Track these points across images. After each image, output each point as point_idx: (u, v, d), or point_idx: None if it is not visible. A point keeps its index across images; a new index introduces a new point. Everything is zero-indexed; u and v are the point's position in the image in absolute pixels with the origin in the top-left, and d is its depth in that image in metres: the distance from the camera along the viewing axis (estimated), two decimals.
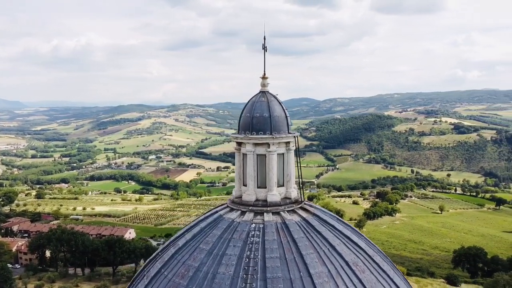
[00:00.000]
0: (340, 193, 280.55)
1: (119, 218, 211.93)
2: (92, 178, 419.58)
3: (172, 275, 12.70)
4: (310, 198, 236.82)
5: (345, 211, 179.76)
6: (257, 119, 14.13)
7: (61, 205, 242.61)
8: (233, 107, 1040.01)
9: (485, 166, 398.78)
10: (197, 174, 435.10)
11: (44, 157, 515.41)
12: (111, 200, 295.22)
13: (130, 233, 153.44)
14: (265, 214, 13.59)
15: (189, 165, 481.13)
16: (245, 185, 14.69)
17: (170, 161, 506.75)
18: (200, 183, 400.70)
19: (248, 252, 12.35)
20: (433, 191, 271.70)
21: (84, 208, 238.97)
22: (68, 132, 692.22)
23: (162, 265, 13.36)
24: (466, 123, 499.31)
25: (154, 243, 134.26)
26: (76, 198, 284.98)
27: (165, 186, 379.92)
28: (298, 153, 14.97)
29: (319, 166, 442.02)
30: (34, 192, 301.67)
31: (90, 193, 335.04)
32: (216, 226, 13.62)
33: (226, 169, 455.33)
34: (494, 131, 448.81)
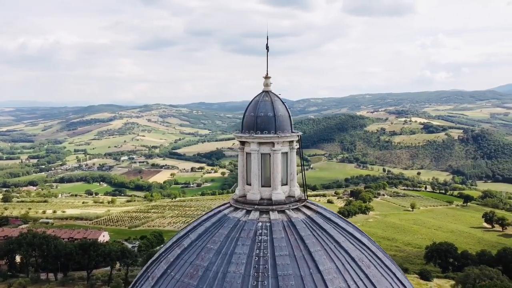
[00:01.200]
0: (315, 192, 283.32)
1: (91, 221, 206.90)
2: (62, 180, 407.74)
3: (180, 276, 12.63)
4: None
5: None
6: (262, 118, 14.24)
7: (29, 209, 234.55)
8: (207, 107, 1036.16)
9: (453, 164, 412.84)
10: (171, 175, 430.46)
11: (11, 159, 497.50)
12: (83, 202, 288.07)
13: (104, 236, 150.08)
14: (270, 212, 13.73)
15: (163, 166, 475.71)
16: (248, 184, 14.78)
17: (143, 162, 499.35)
18: (174, 184, 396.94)
19: (257, 250, 12.45)
20: (404, 189, 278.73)
21: (54, 211, 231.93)
22: (36, 133, 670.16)
23: (168, 266, 13.25)
24: (435, 122, 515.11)
25: (129, 245, 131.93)
26: (45, 201, 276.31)
27: (138, 188, 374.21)
28: (301, 151, 15.18)
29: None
30: (0, 196, 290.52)
31: (60, 195, 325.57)
32: (222, 225, 13.65)
33: (200, 170, 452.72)
34: (461, 131, 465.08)
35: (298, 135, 14.79)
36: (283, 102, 14.78)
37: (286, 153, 14.65)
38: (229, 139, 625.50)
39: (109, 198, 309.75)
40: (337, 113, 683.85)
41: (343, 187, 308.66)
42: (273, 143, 14.20)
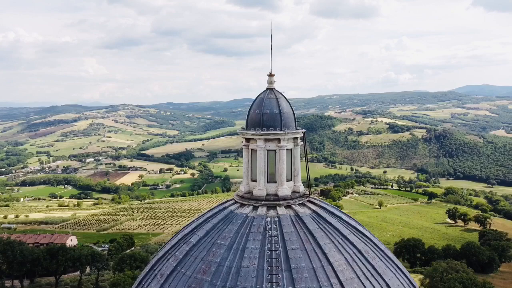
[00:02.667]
0: None
1: (57, 225, 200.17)
2: (23, 184, 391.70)
3: (191, 272, 12.63)
4: None
5: None
6: (268, 115, 14.43)
7: None
8: (175, 108, 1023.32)
9: (417, 163, 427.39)
10: (139, 176, 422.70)
11: None
12: (47, 206, 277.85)
13: (71, 240, 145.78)
14: (278, 208, 13.97)
15: (130, 167, 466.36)
16: (253, 180, 14.93)
17: (110, 163, 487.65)
18: (143, 185, 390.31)
19: (269, 245, 12.65)
20: (372, 188, 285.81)
21: (16, 216, 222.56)
22: None
23: (177, 263, 13.20)
24: (400, 122, 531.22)
25: (98, 249, 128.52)
26: (6, 206, 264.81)
27: (105, 190, 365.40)
28: (305, 148, 15.47)
29: None
30: None
31: (22, 199, 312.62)
32: (230, 221, 13.76)
33: (169, 171, 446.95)
34: (425, 130, 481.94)
35: (302, 132, 15.09)
36: (287, 100, 15.03)
37: (291, 149, 14.91)
38: (198, 139, 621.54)
39: (75, 201, 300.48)
40: (305, 114, 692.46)
41: (313, 187, 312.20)
42: (279, 140, 14.43)
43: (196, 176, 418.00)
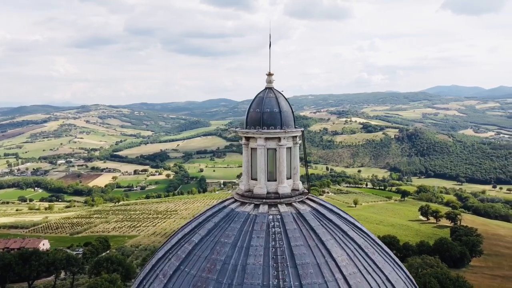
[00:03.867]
0: None
1: (28, 229, 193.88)
2: None
3: (196, 271, 12.62)
4: None
5: None
6: (268, 114, 14.56)
7: None
8: (149, 108, 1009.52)
9: (390, 162, 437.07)
10: (112, 178, 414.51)
11: None
12: (16, 210, 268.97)
13: (44, 244, 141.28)
14: (279, 205, 14.14)
15: (104, 169, 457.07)
16: (253, 179, 15.02)
17: (82, 165, 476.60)
18: (117, 187, 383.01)
19: (273, 242, 12.78)
20: (347, 187, 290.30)
21: None
22: None
23: (180, 262, 13.14)
24: (373, 122, 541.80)
25: (73, 253, 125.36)
26: None
27: (78, 192, 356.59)
28: (304, 146, 15.67)
29: (240, 166, 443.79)
30: None
31: None
32: (232, 219, 13.81)
33: (144, 172, 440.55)
34: (397, 130, 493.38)
35: (301, 130, 15.29)
36: (285, 99, 15.20)
37: (290, 148, 15.09)
38: (173, 140, 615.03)
39: (46, 204, 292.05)
40: None
41: None
42: (279, 138, 14.60)
43: (171, 177, 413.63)
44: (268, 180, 14.77)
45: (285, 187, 14.69)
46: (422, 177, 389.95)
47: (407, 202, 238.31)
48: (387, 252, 14.78)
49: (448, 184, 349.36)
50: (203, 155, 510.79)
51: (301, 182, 15.63)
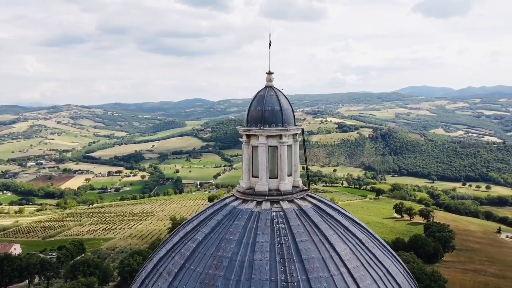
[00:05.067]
0: None
1: None
2: None
3: (202, 268, 12.65)
4: (211, 199, 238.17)
5: None
6: (270, 112, 14.72)
7: None
8: (123, 108, 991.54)
9: (365, 161, 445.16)
10: (85, 180, 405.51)
11: None
12: None
13: (15, 248, 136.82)
14: (281, 202, 14.33)
15: (76, 171, 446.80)
16: (254, 176, 15.12)
17: (54, 167, 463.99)
18: (90, 189, 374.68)
19: (278, 238, 12.96)
20: (323, 186, 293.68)
21: None
22: None
23: (184, 260, 13.12)
24: (348, 122, 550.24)
25: (47, 257, 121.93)
26: None
27: (49, 195, 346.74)
28: (304, 144, 15.89)
29: (216, 167, 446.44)
30: None
31: None
32: (236, 217, 13.90)
33: (118, 174, 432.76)
34: (371, 130, 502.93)
35: (301, 128, 15.51)
36: (285, 97, 15.39)
37: (290, 145, 15.29)
38: (148, 141, 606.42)
39: (16, 208, 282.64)
40: None
41: None
42: (280, 136, 14.78)
43: (146, 178, 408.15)
44: (269, 178, 14.93)
45: (286, 184, 14.90)
46: (396, 175, 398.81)
47: (382, 200, 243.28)
48: (385, 246, 15.21)
49: (421, 182, 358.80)
50: (178, 155, 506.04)
51: (300, 179, 15.86)
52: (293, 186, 15.38)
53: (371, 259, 13.66)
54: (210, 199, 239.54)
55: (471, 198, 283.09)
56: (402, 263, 15.45)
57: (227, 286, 11.95)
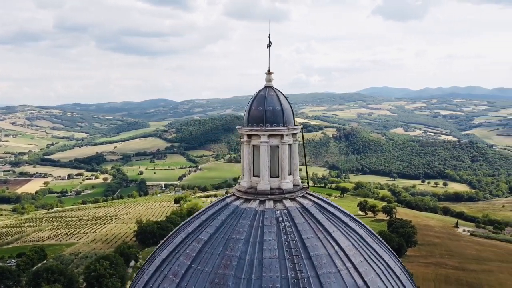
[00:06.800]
0: (206, 193, 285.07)
1: None
2: None
3: (210, 268, 12.61)
4: (177, 200, 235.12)
5: None
6: (271, 112, 14.88)
7: None
8: (83, 109, 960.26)
9: (329, 160, 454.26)
10: (44, 183, 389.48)
11: None
12: None
13: None
14: (284, 201, 14.53)
15: (33, 174, 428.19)
16: (256, 176, 15.19)
17: (9, 170, 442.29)
18: (49, 193, 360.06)
19: (285, 236, 13.13)
20: None
21: None
22: None
23: (191, 261, 13.01)
24: (312, 122, 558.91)
25: (6, 265, 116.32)
26: None
27: (5, 200, 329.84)
28: (304, 143, 16.13)
29: (181, 168, 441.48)
30: None
31: None
32: (240, 216, 13.95)
33: (79, 176, 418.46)
34: (335, 129, 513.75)
35: (301, 128, 15.75)
36: (285, 97, 15.59)
37: (290, 145, 15.50)
38: (110, 142, 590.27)
39: None
40: (222, 114, 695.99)
41: (232, 186, 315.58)
42: (282, 135, 14.97)
43: (109, 180, 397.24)
44: (270, 177, 15.08)
45: (287, 182, 15.13)
46: (359, 174, 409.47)
47: (346, 198, 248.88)
48: (381, 241, 15.75)
49: (383, 180, 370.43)
50: (142, 157, 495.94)
51: (300, 178, 16.12)
52: (293, 185, 15.62)
53: (372, 254, 14.12)
54: (176, 200, 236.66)
55: (430, 195, 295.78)
56: (397, 257, 16.05)
57: (238, 285, 12.02)
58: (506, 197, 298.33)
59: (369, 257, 13.82)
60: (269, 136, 14.95)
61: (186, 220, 15.74)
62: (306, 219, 13.98)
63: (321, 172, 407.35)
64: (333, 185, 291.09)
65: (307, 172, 16.36)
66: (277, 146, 15.09)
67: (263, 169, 14.90)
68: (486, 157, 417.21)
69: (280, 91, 15.71)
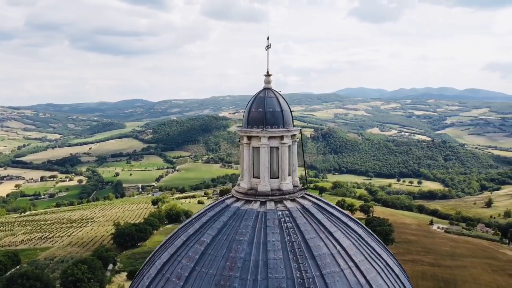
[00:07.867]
0: (184, 194, 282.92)
1: None
2: None
3: (215, 270, 12.57)
4: (155, 202, 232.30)
5: (193, 212, 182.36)
6: (271, 113, 14.97)
7: None
8: (56, 109, 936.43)
9: (307, 160, 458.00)
10: (15, 186, 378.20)
11: None
12: None
13: None
14: (284, 201, 14.65)
15: (4, 176, 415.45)
16: (255, 177, 15.22)
17: None
18: (21, 196, 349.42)
19: (288, 236, 13.22)
20: None
21: None
22: None
23: (194, 263, 12.91)
24: None
25: None
26: None
27: None
28: (302, 144, 16.23)
29: (159, 169, 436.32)
30: None
31: None
32: (242, 217, 13.96)
33: (52, 179, 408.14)
34: (312, 130, 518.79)
35: (300, 129, 15.91)
36: (284, 98, 15.71)
37: (289, 146, 15.61)
38: (85, 143, 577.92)
39: None
40: (200, 115, 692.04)
41: (211, 187, 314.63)
42: (282, 137, 15.08)
43: (84, 182, 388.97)
44: (270, 178, 15.16)
45: (287, 183, 15.26)
46: (336, 173, 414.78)
47: (325, 197, 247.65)
48: (378, 240, 16.06)
49: (359, 179, 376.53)
50: (118, 158, 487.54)
51: (298, 179, 16.27)
52: (293, 186, 15.76)
53: (372, 252, 14.40)
54: (154, 202, 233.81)
55: (405, 193, 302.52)
56: (394, 256, 16.40)
57: (245, 286, 12.02)
58: (477, 194, 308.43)
59: (369, 256, 14.09)
60: (270, 137, 15.05)
61: (186, 222, 15.65)
62: (307, 219, 14.14)
63: (299, 172, 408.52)
64: (311, 185, 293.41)
65: (306, 172, 16.50)
66: (277, 148, 15.21)
67: (264, 170, 14.99)
68: (458, 156, 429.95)
69: (279, 93, 15.84)
